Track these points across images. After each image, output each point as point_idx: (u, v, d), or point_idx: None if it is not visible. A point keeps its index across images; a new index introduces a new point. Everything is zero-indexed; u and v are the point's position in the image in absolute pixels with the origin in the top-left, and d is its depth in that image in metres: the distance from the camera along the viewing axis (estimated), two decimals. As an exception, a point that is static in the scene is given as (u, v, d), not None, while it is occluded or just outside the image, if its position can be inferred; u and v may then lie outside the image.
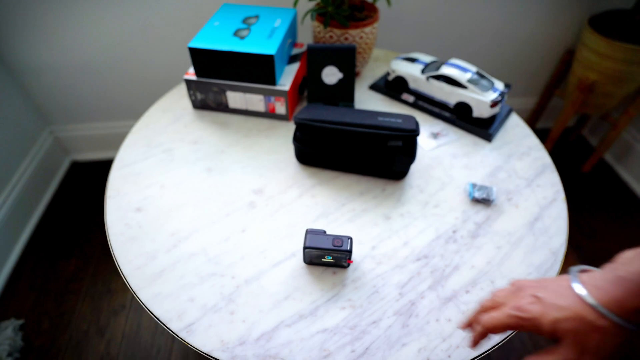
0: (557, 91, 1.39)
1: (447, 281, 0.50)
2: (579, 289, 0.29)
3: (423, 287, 0.49)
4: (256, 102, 0.72)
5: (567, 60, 1.35)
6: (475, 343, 0.35)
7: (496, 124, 0.71)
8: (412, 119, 0.58)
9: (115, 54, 1.18)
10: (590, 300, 0.28)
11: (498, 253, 0.53)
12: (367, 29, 0.75)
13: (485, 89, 0.68)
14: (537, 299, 0.31)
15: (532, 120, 1.58)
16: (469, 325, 0.37)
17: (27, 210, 1.25)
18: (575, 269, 0.31)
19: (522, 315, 0.30)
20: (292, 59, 0.77)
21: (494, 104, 0.67)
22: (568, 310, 0.28)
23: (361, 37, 0.75)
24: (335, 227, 0.56)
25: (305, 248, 0.47)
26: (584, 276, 0.30)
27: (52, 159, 1.39)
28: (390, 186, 0.62)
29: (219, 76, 0.70)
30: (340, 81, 0.71)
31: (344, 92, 0.72)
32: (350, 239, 0.48)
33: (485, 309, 0.35)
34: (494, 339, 0.45)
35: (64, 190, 1.40)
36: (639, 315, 0.27)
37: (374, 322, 0.46)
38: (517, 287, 0.34)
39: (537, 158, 0.67)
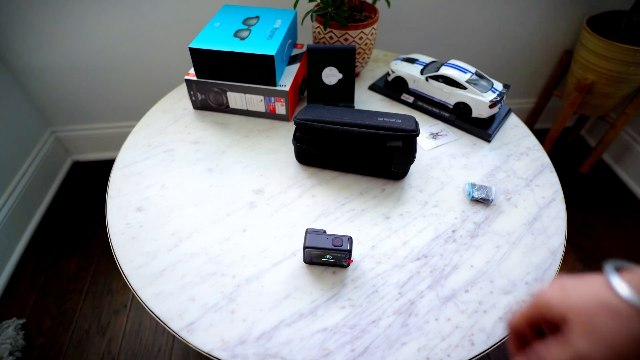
0: (555, 92, 1.40)
1: (446, 280, 0.50)
2: (618, 284, 0.25)
3: (422, 287, 0.49)
4: (256, 102, 0.72)
5: (565, 61, 1.35)
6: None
7: (495, 124, 0.72)
8: (412, 119, 0.59)
9: (116, 55, 1.19)
10: (625, 292, 0.24)
11: (497, 253, 0.53)
12: (367, 30, 0.75)
13: (485, 90, 0.69)
14: (559, 284, 0.28)
15: (531, 121, 1.58)
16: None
17: (29, 209, 1.26)
18: (612, 264, 0.28)
19: (536, 300, 0.28)
20: (292, 60, 0.77)
21: (493, 104, 0.68)
22: (588, 293, 0.25)
23: (361, 38, 0.75)
24: (335, 226, 0.56)
25: (305, 248, 0.47)
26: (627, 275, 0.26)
27: (54, 159, 1.39)
28: (390, 186, 0.62)
29: (220, 77, 0.70)
30: (340, 82, 0.72)
31: (344, 93, 0.73)
32: (350, 238, 0.48)
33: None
34: (493, 339, 0.45)
35: (66, 190, 1.40)
36: None
37: (373, 322, 0.46)
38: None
39: (535, 158, 0.68)
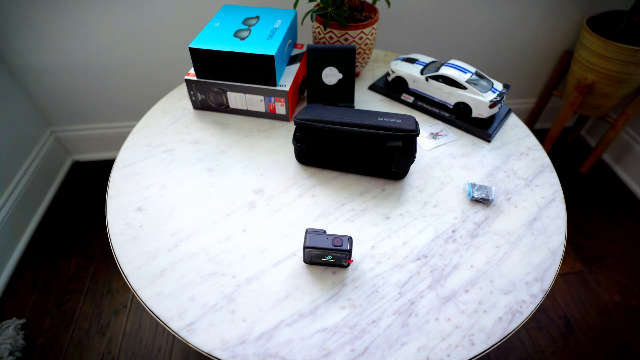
0: (555, 92, 1.40)
1: (446, 280, 0.50)
2: None
3: (422, 287, 0.49)
4: (256, 102, 0.72)
5: (565, 61, 1.35)
6: None
7: (495, 124, 0.72)
8: (412, 119, 0.59)
9: (116, 55, 1.19)
10: None
11: (497, 253, 0.53)
12: (367, 30, 0.75)
13: (485, 90, 0.69)
14: None
15: (531, 121, 1.58)
16: None
17: (29, 209, 1.26)
18: None
19: None
20: (292, 60, 0.77)
21: (493, 104, 0.68)
22: None
23: (361, 38, 0.75)
24: (335, 226, 0.56)
25: (305, 248, 0.47)
26: None
27: (54, 159, 1.39)
28: (390, 186, 0.62)
29: (220, 77, 0.70)
30: (340, 82, 0.72)
31: (344, 93, 0.73)
32: (350, 238, 0.48)
33: None
34: (493, 339, 0.45)
35: (66, 190, 1.40)
36: None
37: (373, 322, 0.46)
38: None
39: (535, 158, 0.68)
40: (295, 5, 0.77)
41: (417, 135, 0.56)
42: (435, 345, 0.44)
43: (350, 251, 0.47)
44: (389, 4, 0.80)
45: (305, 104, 0.78)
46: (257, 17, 0.75)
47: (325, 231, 0.49)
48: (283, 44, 0.70)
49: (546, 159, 0.67)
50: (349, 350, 0.44)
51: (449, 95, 0.72)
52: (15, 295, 1.10)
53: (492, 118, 0.73)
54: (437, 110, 0.75)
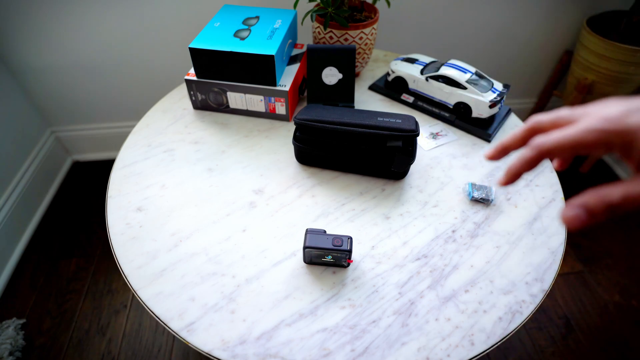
0: (555, 92, 1.40)
1: (446, 281, 0.50)
2: None
3: (422, 287, 0.49)
4: (256, 102, 0.72)
5: (565, 61, 1.35)
6: (513, 176, 0.25)
7: (495, 124, 0.72)
8: (412, 119, 0.59)
9: (116, 55, 1.19)
10: None
11: (497, 253, 0.53)
12: (367, 30, 0.75)
13: (485, 90, 0.69)
14: (632, 110, 0.22)
15: (532, 121, 1.58)
16: (504, 150, 0.28)
17: (29, 209, 1.26)
18: None
19: (610, 126, 0.22)
20: (292, 60, 0.77)
21: (493, 104, 0.68)
22: None
23: (361, 38, 0.75)
24: (335, 226, 0.56)
25: (305, 248, 0.47)
26: None
27: (54, 159, 1.39)
28: (390, 186, 0.62)
29: (220, 77, 0.70)
30: (340, 82, 0.72)
31: (344, 93, 0.73)
32: (350, 238, 0.48)
33: (540, 128, 0.26)
34: (493, 339, 0.45)
35: (66, 190, 1.40)
36: None
37: (373, 322, 0.46)
38: (593, 105, 0.24)
39: (535, 158, 0.67)
40: (295, 5, 0.77)
41: (417, 135, 0.56)
42: (435, 345, 0.44)
43: (350, 251, 0.47)
44: (389, 4, 0.80)
45: (305, 104, 0.78)
46: (257, 17, 0.75)
47: (325, 231, 0.49)
48: (283, 44, 0.70)
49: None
50: (349, 350, 0.44)
51: (449, 95, 0.72)
52: (15, 295, 1.10)
53: (492, 118, 0.73)
54: (437, 110, 0.75)
